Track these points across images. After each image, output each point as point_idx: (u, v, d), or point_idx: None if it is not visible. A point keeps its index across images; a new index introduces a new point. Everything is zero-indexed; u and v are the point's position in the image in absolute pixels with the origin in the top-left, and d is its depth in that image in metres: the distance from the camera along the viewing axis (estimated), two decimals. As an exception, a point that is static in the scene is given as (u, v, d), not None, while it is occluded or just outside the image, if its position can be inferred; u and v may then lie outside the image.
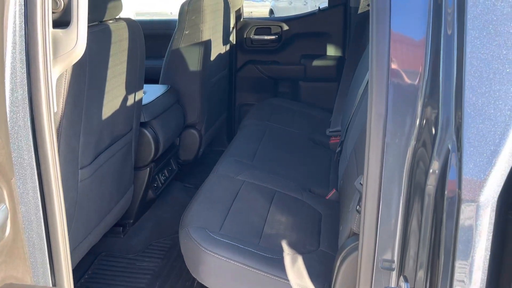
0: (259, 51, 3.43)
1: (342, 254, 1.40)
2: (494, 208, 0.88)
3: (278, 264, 1.53)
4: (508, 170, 0.87)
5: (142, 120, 2.22)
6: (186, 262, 1.64)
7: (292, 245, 1.64)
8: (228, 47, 3.16)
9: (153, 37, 3.12)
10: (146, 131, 2.24)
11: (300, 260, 1.56)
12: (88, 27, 1.62)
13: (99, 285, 2.09)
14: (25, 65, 1.10)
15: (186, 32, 2.63)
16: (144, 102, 2.29)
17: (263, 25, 3.41)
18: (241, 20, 3.44)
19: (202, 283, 1.58)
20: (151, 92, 2.48)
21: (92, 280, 2.12)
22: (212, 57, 2.82)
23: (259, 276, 1.50)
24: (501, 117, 0.87)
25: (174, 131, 2.54)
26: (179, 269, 2.19)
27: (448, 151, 0.91)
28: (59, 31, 1.19)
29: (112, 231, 2.29)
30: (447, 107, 0.93)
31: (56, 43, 1.18)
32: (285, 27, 3.38)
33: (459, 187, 0.88)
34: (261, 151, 2.38)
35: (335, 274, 1.42)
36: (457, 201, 0.88)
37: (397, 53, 1.00)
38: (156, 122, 2.32)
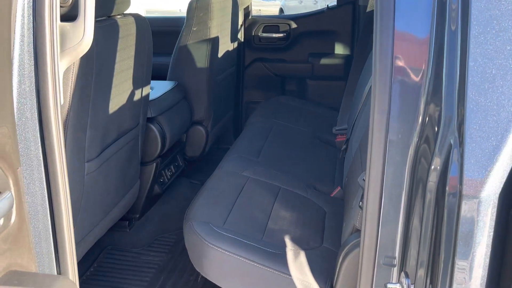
0: (267, 49, 3.43)
1: (345, 250, 1.40)
2: (496, 205, 0.88)
3: (280, 259, 1.53)
4: (510, 167, 0.87)
5: (149, 115, 2.24)
6: (190, 256, 1.65)
7: (295, 241, 1.64)
8: (236, 44, 3.17)
9: (162, 34, 3.13)
10: (152, 127, 2.26)
11: (303, 256, 1.57)
12: (96, 21, 1.64)
13: (104, 278, 2.11)
14: (32, 57, 1.12)
15: (194, 29, 2.64)
16: (151, 97, 2.31)
17: (271, 23, 3.41)
18: (250, 17, 3.44)
19: (205, 276, 1.60)
20: (158, 88, 2.50)
21: (98, 273, 2.14)
22: (220, 54, 2.83)
23: (262, 270, 1.50)
24: (504, 113, 0.87)
25: (180, 127, 2.56)
26: (183, 264, 2.20)
27: (450, 147, 0.91)
28: (66, 24, 1.20)
29: (118, 225, 2.32)
30: (449, 104, 0.93)
31: (63, 36, 1.19)
32: (293, 25, 3.38)
33: (460, 183, 0.87)
34: (267, 148, 2.39)
35: (337, 270, 1.42)
36: (458, 197, 0.88)
37: (401, 50, 1.00)
38: (163, 117, 2.34)
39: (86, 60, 1.49)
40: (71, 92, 1.47)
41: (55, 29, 1.14)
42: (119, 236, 2.32)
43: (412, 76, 1.01)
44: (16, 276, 0.98)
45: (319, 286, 1.48)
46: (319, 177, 2.22)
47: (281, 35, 3.39)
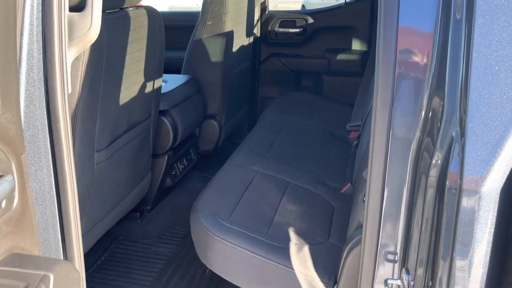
0: (283, 44, 3.41)
1: (349, 245, 1.38)
2: (497, 200, 0.85)
3: (285, 253, 1.53)
4: (513, 162, 0.84)
5: (161, 108, 2.25)
6: (195, 247, 1.66)
7: (301, 236, 1.63)
8: (251, 39, 3.17)
9: (178, 29, 3.16)
10: (165, 119, 2.27)
11: (308, 250, 1.56)
12: (108, 13, 1.66)
13: (114, 268, 2.15)
14: (41, 46, 1.14)
15: (209, 23, 2.64)
16: (164, 90, 2.33)
17: (288, 18, 3.39)
18: (266, 12, 3.43)
19: (210, 268, 1.60)
20: (172, 82, 2.51)
21: (109, 263, 2.18)
22: (234, 49, 2.82)
23: (266, 263, 1.50)
24: (508, 106, 0.84)
25: (193, 121, 2.57)
26: (192, 256, 2.22)
27: (451, 141, 0.89)
28: (74, 14, 1.22)
29: (129, 216, 2.35)
30: (452, 97, 0.90)
31: (71, 26, 1.21)
32: (310, 20, 3.35)
33: (461, 178, 0.85)
34: (278, 143, 2.38)
35: (341, 265, 1.40)
36: (458, 193, 0.86)
37: (404, 43, 0.98)
38: (175, 111, 2.35)
39: (96, 51, 1.51)
40: (81, 82, 1.50)
41: (63, 19, 1.16)
42: (130, 227, 2.36)
43: (416, 70, 0.98)
44: (17, 258, 1.00)
45: (323, 281, 1.47)
46: (330, 173, 2.20)
47: (297, 30, 3.36)
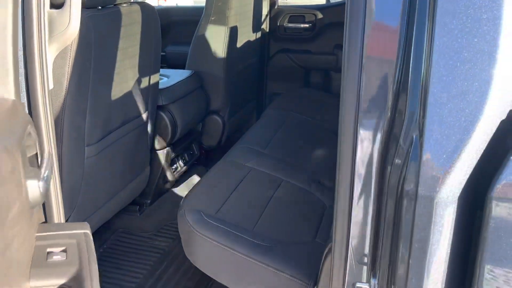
0: (292, 39, 3.38)
1: (329, 246, 1.36)
2: (455, 206, 0.82)
3: (267, 251, 1.52)
4: (472, 167, 0.81)
5: (160, 103, 2.27)
6: (182, 243, 1.68)
7: (286, 234, 1.62)
8: (259, 34, 3.15)
9: (190, 24, 3.16)
10: (163, 115, 2.29)
11: (291, 249, 1.54)
12: (99, 9, 1.68)
13: (110, 259, 2.18)
14: (21, 42, 1.16)
15: (212, 18, 2.64)
16: (164, 86, 2.34)
17: (297, 13, 3.35)
18: (275, 7, 3.40)
19: (194, 264, 1.61)
20: (173, 77, 2.53)
21: (106, 254, 2.22)
22: (239, 44, 2.81)
23: (247, 262, 1.50)
24: (468, 109, 0.81)
25: (194, 116, 2.58)
26: (188, 251, 2.24)
27: (411, 144, 0.86)
28: (54, 11, 1.24)
29: (129, 210, 2.39)
30: (414, 97, 0.87)
31: (51, 22, 1.23)
32: (319, 15, 3.30)
33: (417, 183, 0.82)
34: (276, 140, 2.36)
35: (321, 265, 1.39)
36: (414, 198, 0.83)
37: (371, 40, 0.95)
38: (175, 106, 2.36)
39: (83, 47, 1.53)
40: (68, 78, 1.52)
41: (43, 16, 1.18)
42: (129, 220, 2.39)
43: (382, 68, 0.95)
44: (49, 225, 1.12)
45: (303, 281, 1.45)
46: (327, 172, 2.17)
47: (306, 25, 3.32)
